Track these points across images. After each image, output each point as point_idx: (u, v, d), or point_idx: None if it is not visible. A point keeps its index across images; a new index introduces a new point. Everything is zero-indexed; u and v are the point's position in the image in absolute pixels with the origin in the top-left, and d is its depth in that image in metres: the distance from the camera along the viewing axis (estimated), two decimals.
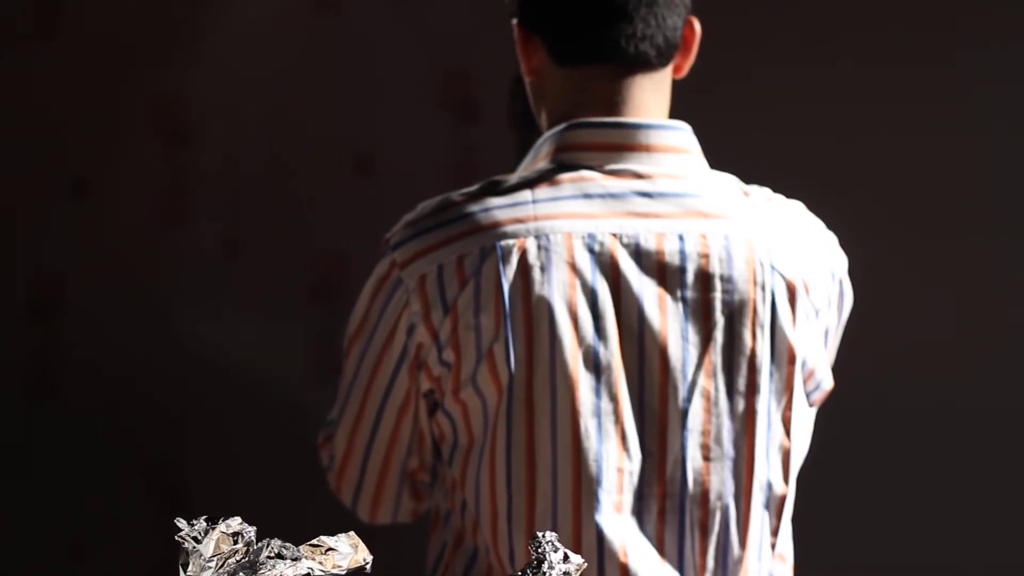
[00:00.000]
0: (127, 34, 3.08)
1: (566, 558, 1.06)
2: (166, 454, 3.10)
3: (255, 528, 1.13)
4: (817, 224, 1.73)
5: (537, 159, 1.68)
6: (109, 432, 3.07)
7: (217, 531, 1.13)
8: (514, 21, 1.71)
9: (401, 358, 1.64)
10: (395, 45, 3.08)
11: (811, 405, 1.70)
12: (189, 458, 3.11)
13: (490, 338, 1.58)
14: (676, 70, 1.72)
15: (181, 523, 1.13)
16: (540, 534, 1.07)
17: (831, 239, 1.74)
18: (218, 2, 3.08)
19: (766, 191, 1.71)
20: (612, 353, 1.59)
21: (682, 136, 1.68)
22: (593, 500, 1.58)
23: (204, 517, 1.14)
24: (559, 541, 1.10)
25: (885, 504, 3.00)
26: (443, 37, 3.08)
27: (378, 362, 1.65)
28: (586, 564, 1.07)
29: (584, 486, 1.59)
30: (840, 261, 1.73)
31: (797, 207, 1.72)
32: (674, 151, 1.66)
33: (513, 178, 1.66)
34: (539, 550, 1.06)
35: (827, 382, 1.71)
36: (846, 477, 2.87)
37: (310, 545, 1.12)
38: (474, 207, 1.62)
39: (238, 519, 1.14)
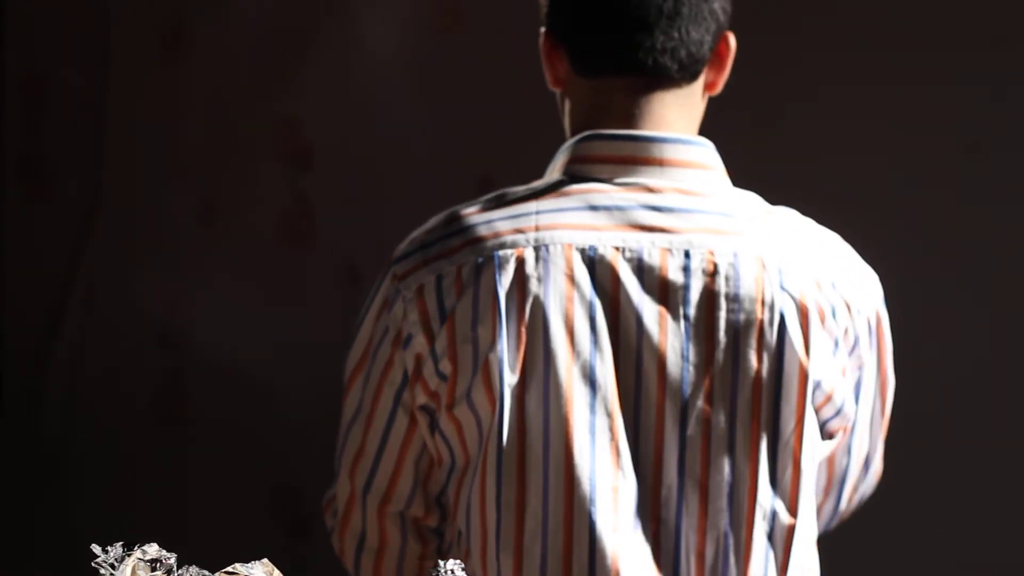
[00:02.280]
0: (251, 58, 3.12)
1: None
2: (293, 477, 3.12)
3: (175, 555, 1.12)
4: (850, 256, 1.66)
5: (553, 171, 1.66)
6: (236, 454, 3.10)
7: (134, 558, 1.12)
8: (541, 31, 1.69)
9: (403, 384, 1.61)
10: (520, 64, 3.06)
11: (828, 436, 1.63)
12: (314, 481, 3.13)
13: (486, 348, 1.55)
14: (709, 87, 1.68)
15: (96, 549, 1.13)
16: (442, 564, 1.04)
17: (866, 274, 1.67)
18: (339, 27, 3.10)
19: (793, 213, 1.65)
20: (608, 369, 1.55)
21: (701, 152, 1.63)
22: (586, 520, 1.53)
23: (120, 543, 1.13)
24: (463, 571, 1.06)
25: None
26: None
27: (379, 389, 1.63)
28: None
29: (576, 505, 1.54)
30: (873, 297, 1.66)
31: (828, 234, 1.66)
32: (690, 166, 1.62)
33: (521, 189, 1.63)
34: None
35: (849, 408, 1.63)
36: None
37: (226, 572, 1.11)
38: (477, 219, 1.60)
39: (155, 545, 1.13)
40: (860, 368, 1.66)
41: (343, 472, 1.68)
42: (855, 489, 1.76)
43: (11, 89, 3.19)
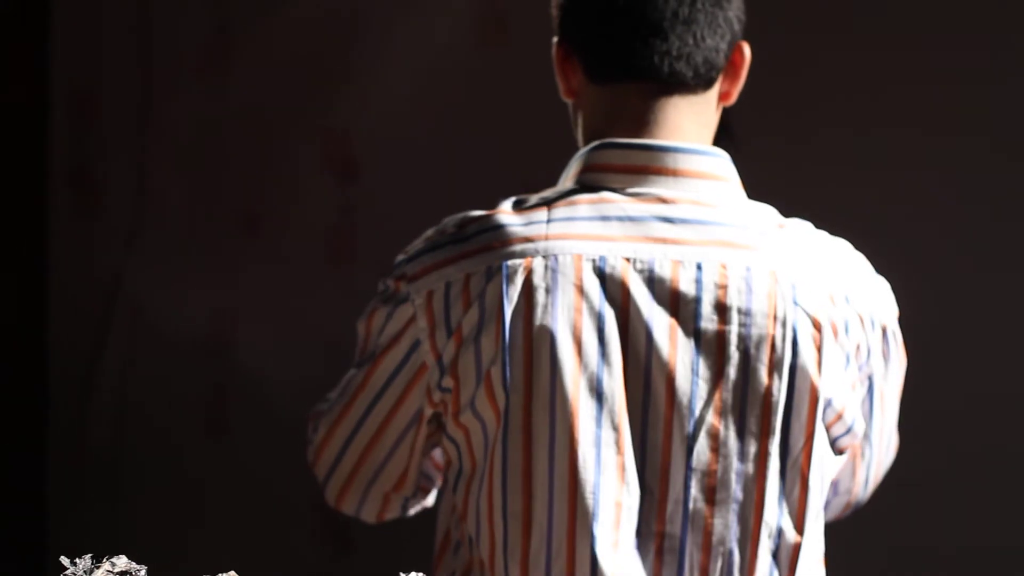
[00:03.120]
0: (295, 69, 3.12)
1: None
2: None
3: (145, 567, 1.10)
4: (863, 267, 1.63)
5: (566, 179, 1.64)
6: (279, 468, 3.09)
7: (103, 569, 1.11)
8: (554, 40, 1.67)
9: (396, 372, 1.60)
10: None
11: (838, 452, 1.61)
12: None
13: (489, 360, 1.53)
14: (724, 96, 1.66)
15: (64, 561, 1.11)
16: None
17: (879, 284, 1.64)
18: (384, 38, 3.09)
19: (807, 225, 1.62)
20: (616, 382, 1.52)
21: (715, 162, 1.60)
22: (588, 534, 1.51)
23: (89, 555, 1.12)
24: None
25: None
26: None
27: (373, 369, 1.62)
28: None
29: (579, 519, 1.52)
30: (885, 308, 1.64)
31: (841, 245, 1.63)
32: (704, 177, 1.59)
33: (534, 198, 1.61)
34: None
35: (859, 427, 1.61)
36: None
37: None
38: (490, 225, 1.57)
39: (124, 558, 1.11)
40: (871, 378, 1.64)
41: (328, 417, 1.67)
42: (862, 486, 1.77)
43: (58, 103, 3.21)
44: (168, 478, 3.15)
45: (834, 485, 1.74)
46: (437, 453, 1.72)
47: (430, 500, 1.78)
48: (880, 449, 1.74)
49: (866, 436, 1.70)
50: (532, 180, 3.05)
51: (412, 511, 1.74)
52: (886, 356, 1.64)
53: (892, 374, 1.67)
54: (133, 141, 3.20)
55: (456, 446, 1.59)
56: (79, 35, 3.20)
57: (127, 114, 3.19)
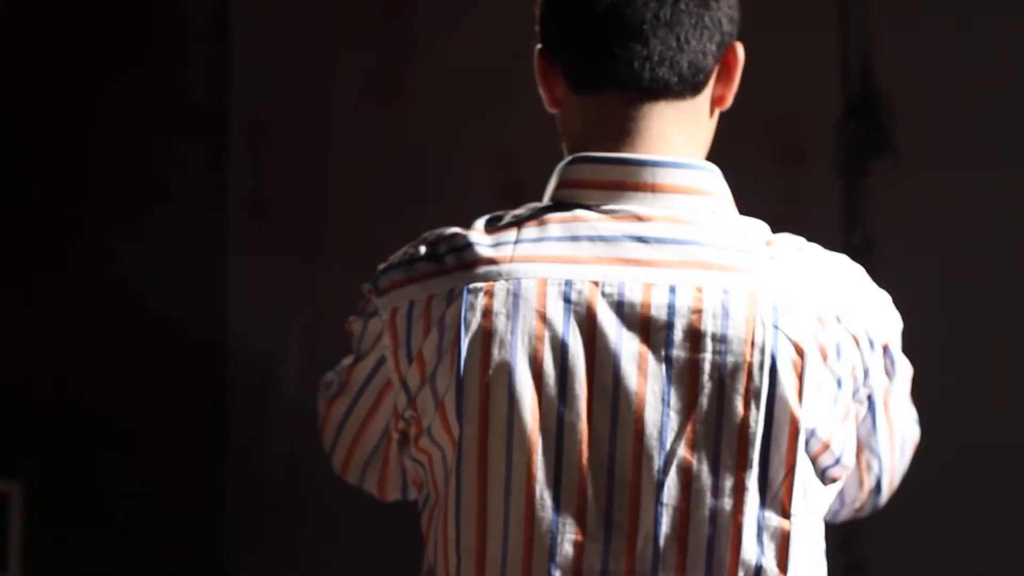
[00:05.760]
0: (461, 96, 3.13)
1: None
2: None
3: None
4: (859, 282, 1.51)
5: (545, 196, 1.55)
6: None
7: None
8: (537, 48, 1.58)
9: (368, 381, 1.56)
10: None
11: (830, 482, 1.48)
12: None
13: (444, 388, 1.46)
14: (719, 101, 1.54)
15: None
16: None
17: (877, 300, 1.51)
18: None
19: (798, 241, 1.50)
20: (578, 415, 1.43)
21: (699, 176, 1.50)
22: (545, 574, 1.43)
23: None
24: None
25: None
26: (767, 83, 2.93)
27: (352, 370, 1.59)
28: None
29: (536, 558, 1.44)
30: (885, 325, 1.51)
31: (835, 261, 1.51)
32: (685, 192, 1.49)
33: (509, 215, 1.53)
34: None
35: (848, 457, 1.48)
36: None
37: None
38: (458, 244, 1.50)
39: None
40: (870, 397, 1.51)
41: (331, 391, 1.63)
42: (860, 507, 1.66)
43: (237, 131, 3.28)
44: (349, 498, 3.18)
45: (840, 497, 1.62)
46: None
47: None
48: (890, 458, 1.62)
49: (871, 449, 1.59)
50: None
51: (412, 497, 1.69)
52: (890, 373, 1.52)
53: (897, 387, 1.55)
54: (308, 168, 3.26)
55: (423, 469, 1.53)
56: (256, 66, 3.27)
57: (302, 142, 3.25)
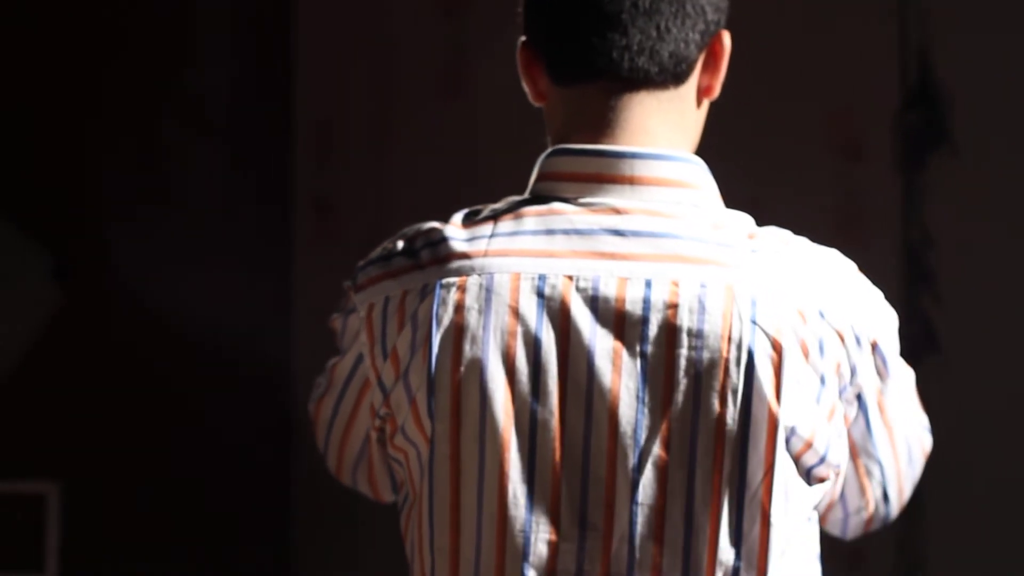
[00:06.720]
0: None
1: None
2: None
3: None
4: (848, 278, 1.46)
5: (526, 190, 1.53)
6: None
7: None
8: (520, 41, 1.56)
9: (348, 379, 1.55)
10: (778, 86, 2.92)
11: (817, 481, 1.44)
12: None
13: (416, 385, 1.44)
14: (706, 91, 1.51)
15: None
16: None
17: (867, 296, 1.47)
18: None
19: (783, 235, 1.46)
20: (551, 412, 1.41)
21: (680, 168, 1.46)
22: (519, 575, 1.41)
23: None
24: None
25: None
26: (826, 76, 2.88)
27: (335, 367, 1.58)
28: None
29: (509, 558, 1.41)
30: (875, 322, 1.46)
31: (823, 255, 1.46)
32: (665, 184, 1.45)
33: (487, 209, 1.51)
34: None
35: (835, 457, 1.44)
36: None
37: None
38: (434, 239, 1.48)
39: None
40: (860, 396, 1.47)
41: (320, 387, 1.62)
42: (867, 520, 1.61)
43: (302, 131, 3.30)
44: None
45: (842, 504, 1.59)
46: None
47: None
48: (894, 465, 1.57)
49: (868, 454, 1.55)
50: (751, 190, 2.96)
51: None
52: (881, 372, 1.47)
53: (893, 388, 1.50)
54: (373, 168, 3.26)
55: (401, 468, 1.51)
56: (321, 65, 3.28)
57: (367, 141, 3.26)
